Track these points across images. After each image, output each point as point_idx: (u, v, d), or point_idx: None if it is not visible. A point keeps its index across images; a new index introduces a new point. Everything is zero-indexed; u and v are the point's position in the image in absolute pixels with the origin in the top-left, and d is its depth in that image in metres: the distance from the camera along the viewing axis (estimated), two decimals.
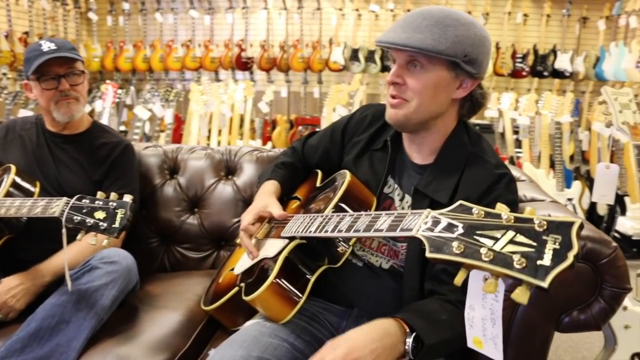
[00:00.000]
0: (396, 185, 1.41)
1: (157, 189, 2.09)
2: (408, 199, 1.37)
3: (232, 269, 1.56)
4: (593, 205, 3.99)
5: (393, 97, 1.29)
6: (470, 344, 0.92)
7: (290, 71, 7.60)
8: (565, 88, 6.88)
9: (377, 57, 7.27)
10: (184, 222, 2.07)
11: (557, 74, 7.00)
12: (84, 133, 1.92)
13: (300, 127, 7.04)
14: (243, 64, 7.55)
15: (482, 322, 0.87)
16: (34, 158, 1.85)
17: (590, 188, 4.15)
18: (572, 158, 5.02)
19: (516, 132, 4.81)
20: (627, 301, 1.72)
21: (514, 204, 1.30)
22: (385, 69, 7.30)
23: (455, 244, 0.79)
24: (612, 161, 3.96)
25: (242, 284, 1.41)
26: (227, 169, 2.16)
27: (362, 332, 1.10)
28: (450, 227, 0.83)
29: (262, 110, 5.99)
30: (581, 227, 0.72)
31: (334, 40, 7.42)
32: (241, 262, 1.51)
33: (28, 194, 1.69)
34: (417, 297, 1.26)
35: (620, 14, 6.75)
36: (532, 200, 1.59)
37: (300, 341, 1.30)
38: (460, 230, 0.81)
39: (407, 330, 1.09)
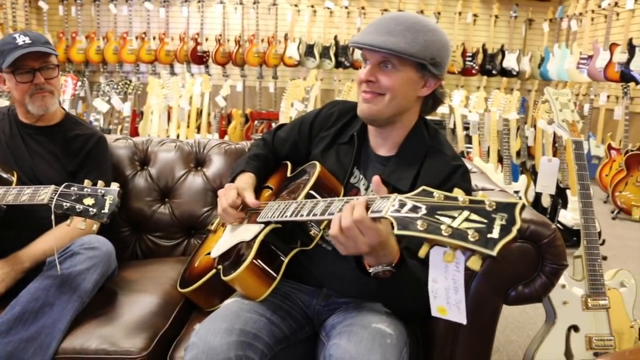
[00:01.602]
0: (361, 176, 1.54)
1: (129, 179, 2.16)
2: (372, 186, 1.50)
3: (208, 253, 1.66)
4: (538, 198, 4.24)
5: (366, 92, 1.42)
6: (435, 312, 1.05)
7: (245, 66, 7.66)
8: (513, 86, 7.20)
9: (331, 53, 7.42)
10: (156, 212, 2.15)
11: (505, 72, 7.33)
12: (57, 125, 1.96)
13: (256, 122, 7.12)
14: (198, 58, 7.56)
15: (446, 292, 1.01)
16: (8, 149, 1.88)
17: (536, 182, 4.41)
18: (518, 153, 5.30)
19: (466, 128, 5.04)
20: (565, 280, 1.91)
21: (467, 192, 1.45)
22: (339, 65, 7.46)
23: (419, 222, 0.92)
24: (555, 156, 4.23)
25: (220, 266, 1.51)
26: (197, 160, 2.24)
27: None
28: (415, 209, 0.96)
29: (219, 104, 6.05)
30: (523, 207, 0.87)
31: (289, 35, 7.52)
32: (217, 247, 1.61)
33: (6, 183, 1.73)
34: None
35: (563, 17, 7.11)
36: (483, 189, 1.75)
37: (276, 317, 1.42)
38: (424, 211, 0.94)
39: (396, 261, 1.19)
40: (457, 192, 0.93)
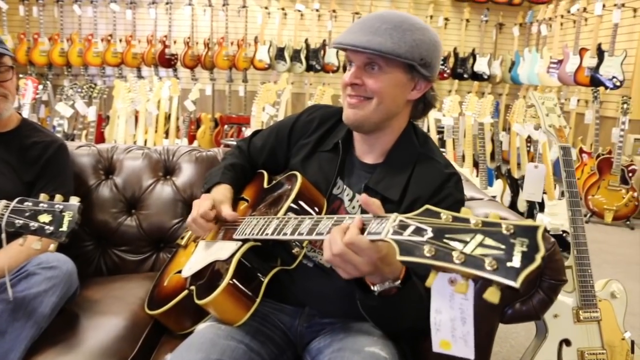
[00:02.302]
0: (345, 186, 1.42)
1: (92, 189, 2.00)
2: (358, 197, 1.39)
3: (179, 272, 1.52)
4: (514, 203, 4.21)
5: (352, 96, 1.31)
6: (437, 348, 0.92)
7: (215, 69, 7.50)
8: (484, 90, 7.21)
9: (302, 56, 7.31)
10: (122, 224, 2.00)
11: (476, 76, 7.34)
12: (12, 132, 1.81)
13: (225, 126, 6.96)
14: (167, 61, 7.37)
15: (452, 323, 0.88)
16: None
17: (511, 186, 4.38)
18: (492, 157, 5.27)
19: (440, 132, 4.99)
20: None
21: (462, 202, 1.36)
22: (310, 68, 7.36)
23: (426, 247, 0.80)
24: (529, 160, 4.20)
25: (193, 288, 1.38)
26: (166, 168, 2.10)
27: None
28: (419, 231, 0.84)
29: (188, 109, 5.88)
30: (545, 231, 0.76)
31: (259, 38, 7.39)
32: (189, 265, 1.48)
33: None
34: None
35: (532, 21, 7.16)
36: (472, 198, 1.66)
37: (256, 342, 1.30)
38: (430, 234, 0.82)
39: (402, 276, 1.09)
40: (466, 212, 0.82)
